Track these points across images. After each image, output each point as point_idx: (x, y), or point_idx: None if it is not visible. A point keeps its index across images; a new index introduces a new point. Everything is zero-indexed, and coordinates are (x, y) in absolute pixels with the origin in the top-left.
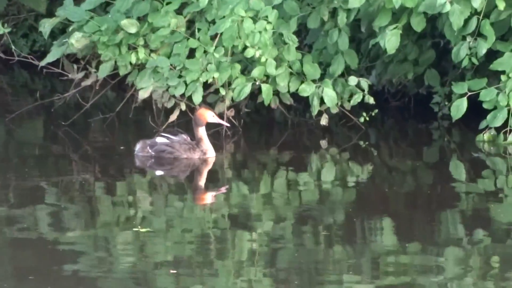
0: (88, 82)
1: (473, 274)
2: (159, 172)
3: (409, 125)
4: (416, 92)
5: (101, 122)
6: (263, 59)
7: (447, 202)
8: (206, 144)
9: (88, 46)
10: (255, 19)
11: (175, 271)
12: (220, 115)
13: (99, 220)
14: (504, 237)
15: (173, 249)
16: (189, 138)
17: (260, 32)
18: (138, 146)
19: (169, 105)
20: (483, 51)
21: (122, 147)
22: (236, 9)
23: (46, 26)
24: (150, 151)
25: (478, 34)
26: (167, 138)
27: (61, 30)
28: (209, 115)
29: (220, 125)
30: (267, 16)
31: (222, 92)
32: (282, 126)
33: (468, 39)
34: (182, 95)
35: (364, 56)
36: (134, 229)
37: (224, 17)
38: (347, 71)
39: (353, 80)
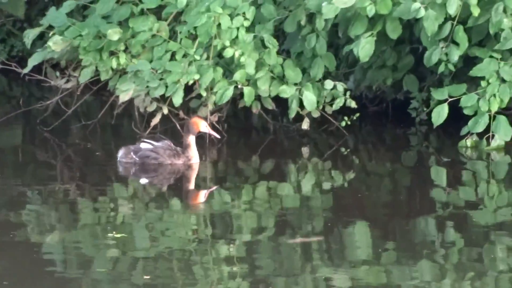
0: (68, 85)
1: (449, 278)
2: (142, 178)
3: (387, 131)
4: (394, 98)
5: (83, 129)
6: (242, 59)
7: (426, 207)
8: (193, 151)
9: (69, 51)
10: (232, 17)
11: (148, 277)
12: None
13: (76, 225)
14: (481, 242)
15: (147, 255)
16: (172, 144)
17: (237, 28)
18: (120, 153)
19: (150, 108)
20: (455, 57)
21: (97, 153)
22: (213, 6)
23: (30, 36)
24: (134, 157)
25: (451, 39)
26: (151, 144)
27: (39, 36)
28: (202, 125)
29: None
30: (244, 13)
31: (203, 93)
32: (263, 131)
33: (441, 44)
34: (164, 99)
35: (342, 61)
36: (109, 234)
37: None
38: (324, 76)
39: (329, 84)
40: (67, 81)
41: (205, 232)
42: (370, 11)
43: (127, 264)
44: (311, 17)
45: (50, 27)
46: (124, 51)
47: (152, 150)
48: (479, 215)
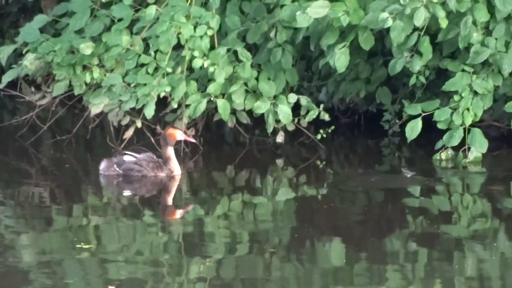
0: (43, 101)
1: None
2: (123, 190)
3: (359, 143)
4: (366, 110)
5: (59, 143)
6: (211, 69)
7: (397, 219)
8: (174, 163)
9: (43, 66)
10: (196, 26)
11: (112, 287)
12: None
13: (47, 237)
14: (451, 254)
15: (115, 266)
16: (154, 156)
17: (200, 36)
18: (102, 165)
19: (124, 122)
20: (416, 67)
21: (67, 165)
22: (177, 16)
23: (4, 54)
24: (117, 169)
25: (417, 50)
26: (134, 156)
27: (14, 50)
28: (178, 134)
29: (179, 143)
30: (208, 23)
31: (174, 105)
32: (238, 145)
33: (406, 53)
34: (134, 111)
35: (315, 74)
36: (77, 245)
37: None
38: (296, 88)
39: (292, 97)
40: (43, 96)
41: (175, 246)
42: (344, 21)
43: (90, 275)
44: (272, 30)
45: (25, 42)
46: (98, 65)
47: (136, 163)
48: (452, 227)
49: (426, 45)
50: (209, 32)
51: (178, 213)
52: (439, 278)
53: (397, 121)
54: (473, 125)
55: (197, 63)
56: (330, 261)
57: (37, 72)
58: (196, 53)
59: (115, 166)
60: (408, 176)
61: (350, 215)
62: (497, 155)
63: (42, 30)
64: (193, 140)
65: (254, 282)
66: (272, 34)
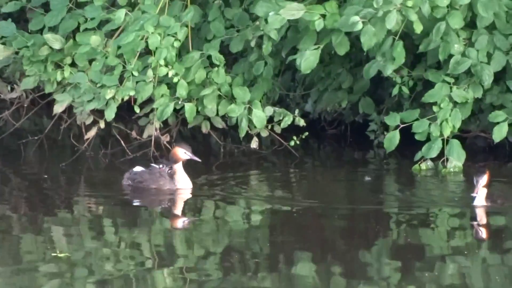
0: (13, 95)
1: None
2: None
3: (346, 153)
4: (353, 120)
5: (31, 143)
6: (175, 80)
7: (381, 230)
8: (179, 177)
9: (16, 61)
10: (164, 36)
11: None
12: (149, 137)
13: (22, 244)
14: (433, 265)
15: (87, 275)
16: (166, 169)
17: (167, 48)
18: (124, 177)
19: (87, 121)
20: (388, 71)
21: (45, 176)
22: (146, 25)
23: None
24: (129, 181)
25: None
26: (143, 168)
27: None
28: (181, 153)
29: (158, 149)
30: (176, 33)
31: (137, 110)
32: (215, 150)
33: (378, 58)
34: (102, 113)
35: (299, 84)
36: (53, 254)
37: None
38: (281, 99)
39: (268, 110)
40: (11, 89)
41: (148, 253)
42: (319, 25)
43: (61, 284)
44: (260, 41)
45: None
46: (71, 65)
47: (140, 174)
48: (432, 237)
49: (399, 50)
50: (176, 44)
51: (157, 224)
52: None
53: (385, 132)
54: (459, 135)
55: (162, 72)
56: (307, 272)
57: (9, 66)
58: (161, 61)
59: (127, 178)
60: (366, 179)
61: (332, 225)
62: (484, 165)
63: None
64: (196, 158)
65: None
66: (253, 44)
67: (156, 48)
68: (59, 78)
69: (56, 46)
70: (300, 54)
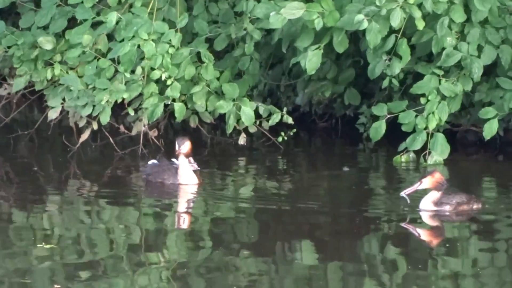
0: (3, 92)
1: None
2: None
3: (336, 146)
4: (343, 114)
5: (20, 138)
6: (169, 82)
7: (369, 221)
8: (182, 172)
9: (6, 59)
10: (158, 42)
11: (58, 286)
12: (138, 134)
13: (9, 235)
14: (422, 257)
15: (68, 265)
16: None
17: (162, 55)
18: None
19: (81, 124)
20: (396, 70)
21: (35, 168)
22: (140, 31)
23: None
24: (144, 174)
25: (395, 53)
26: (154, 162)
27: None
28: (176, 146)
29: (147, 144)
30: (170, 40)
31: (131, 112)
32: (203, 144)
33: (384, 57)
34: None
35: (285, 74)
36: (39, 245)
37: (132, 38)
38: (270, 91)
39: (251, 105)
40: (4, 87)
41: (133, 245)
42: (318, 24)
43: (42, 274)
44: (245, 37)
45: None
46: (60, 62)
47: (150, 168)
48: (420, 229)
49: (404, 48)
50: (171, 50)
51: (142, 213)
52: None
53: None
54: (450, 129)
55: (154, 75)
56: (300, 261)
57: (2, 65)
58: (151, 64)
59: (141, 171)
60: (345, 170)
61: (320, 215)
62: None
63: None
64: (180, 152)
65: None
66: (236, 40)
67: (152, 55)
68: (49, 76)
69: (48, 47)
70: (303, 55)
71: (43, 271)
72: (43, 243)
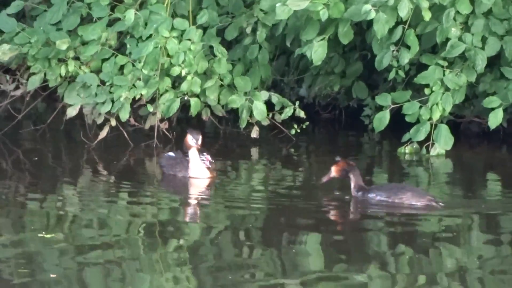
0: (17, 92)
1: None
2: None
3: (340, 137)
4: (347, 105)
5: (33, 133)
6: (189, 77)
7: (373, 213)
8: (193, 165)
9: (18, 56)
10: (179, 39)
11: (54, 275)
12: (152, 128)
13: (14, 225)
14: (427, 250)
15: (67, 254)
16: (190, 157)
17: (184, 52)
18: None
19: (99, 121)
20: (405, 60)
21: (35, 158)
22: (160, 29)
23: None
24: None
25: (403, 43)
26: (170, 155)
27: None
28: (190, 140)
29: (151, 138)
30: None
31: (150, 109)
32: (214, 136)
33: (392, 47)
34: (110, 111)
35: (293, 68)
36: (39, 235)
37: (150, 36)
38: (276, 84)
39: (264, 95)
40: (17, 87)
41: (135, 234)
42: (323, 15)
43: (39, 263)
44: (255, 26)
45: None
46: (73, 58)
47: (165, 159)
48: (424, 221)
49: (412, 38)
50: (193, 47)
51: (148, 204)
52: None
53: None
54: (454, 121)
55: (175, 71)
56: (308, 254)
57: (13, 61)
58: (173, 62)
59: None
60: (337, 159)
61: (326, 209)
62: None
63: (19, 19)
64: (197, 146)
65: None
66: (248, 30)
67: (175, 52)
68: (63, 73)
69: (64, 47)
70: (308, 47)
71: (49, 259)
72: (44, 232)
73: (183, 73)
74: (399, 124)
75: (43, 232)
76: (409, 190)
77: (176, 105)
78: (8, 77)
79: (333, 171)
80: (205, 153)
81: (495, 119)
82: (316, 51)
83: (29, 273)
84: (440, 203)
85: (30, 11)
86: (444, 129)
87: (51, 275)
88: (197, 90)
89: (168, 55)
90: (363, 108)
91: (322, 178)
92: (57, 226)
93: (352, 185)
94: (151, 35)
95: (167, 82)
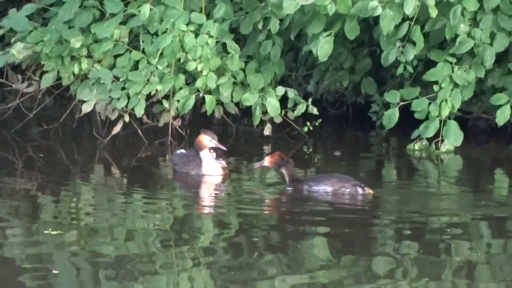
0: (29, 89)
1: (406, 282)
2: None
3: (347, 134)
4: (354, 101)
5: (46, 132)
6: (204, 72)
7: (382, 210)
8: (205, 164)
9: (32, 55)
10: (196, 33)
11: (57, 271)
12: (166, 125)
13: (22, 221)
14: (435, 246)
15: (70, 251)
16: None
17: (202, 46)
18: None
19: (112, 117)
20: (410, 56)
21: (41, 154)
22: (177, 23)
23: None
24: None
25: (408, 39)
26: (181, 152)
27: (0, 38)
28: (206, 140)
29: (166, 135)
30: (209, 32)
31: (165, 104)
32: (226, 134)
33: (398, 43)
34: (126, 107)
35: (301, 64)
36: (45, 231)
37: (166, 31)
38: (283, 79)
39: (280, 90)
40: (29, 85)
41: (164, 234)
42: (331, 9)
43: (46, 259)
44: (266, 21)
45: (11, 29)
46: (86, 56)
47: (177, 157)
48: (433, 218)
49: (418, 34)
50: (210, 41)
51: (155, 204)
52: (425, 271)
53: (384, 112)
54: (462, 117)
55: (191, 66)
56: (314, 250)
57: (26, 60)
58: (190, 56)
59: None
60: (336, 154)
61: (333, 204)
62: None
63: (29, 18)
64: (222, 147)
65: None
66: (260, 26)
67: (193, 46)
68: (76, 71)
69: (77, 45)
70: (314, 43)
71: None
72: (50, 229)
73: (199, 68)
74: (406, 121)
75: (50, 229)
76: (335, 177)
77: (191, 101)
78: (20, 76)
79: (267, 161)
80: (220, 159)
81: (502, 116)
82: (322, 47)
83: (34, 269)
84: (367, 189)
85: (40, 12)
86: (453, 125)
87: (54, 271)
88: (213, 85)
89: (184, 50)
90: (370, 104)
91: (255, 164)
92: (68, 223)
93: (287, 179)
94: (166, 30)
95: (182, 79)
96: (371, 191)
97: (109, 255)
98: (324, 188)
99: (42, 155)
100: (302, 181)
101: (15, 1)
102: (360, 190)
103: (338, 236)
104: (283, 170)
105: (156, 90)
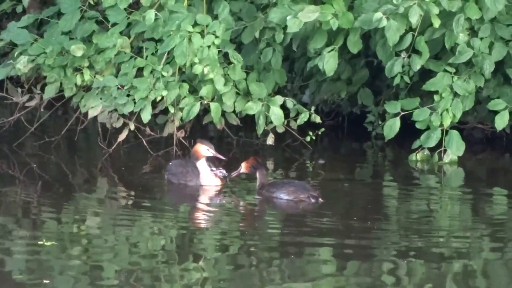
0: (32, 103)
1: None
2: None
3: (343, 144)
4: (350, 111)
5: (47, 145)
6: (211, 76)
7: (380, 219)
8: (203, 174)
9: (33, 68)
10: (202, 34)
11: (47, 281)
12: (170, 136)
13: (18, 232)
14: (436, 254)
15: (64, 261)
16: (200, 166)
17: (208, 46)
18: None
19: (117, 125)
20: (417, 67)
21: (34, 164)
22: (183, 24)
23: None
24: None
25: (412, 50)
26: (177, 163)
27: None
28: (203, 150)
29: (171, 145)
30: (215, 31)
31: (171, 110)
32: (228, 145)
33: (403, 55)
34: (131, 114)
35: (297, 75)
36: (39, 242)
37: (171, 33)
38: (278, 90)
39: (279, 100)
40: (30, 98)
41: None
42: (333, 24)
43: (35, 269)
44: (263, 31)
45: (12, 42)
46: (88, 67)
47: (174, 167)
48: (432, 225)
49: (423, 45)
50: (216, 41)
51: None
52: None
53: (380, 122)
54: (457, 127)
55: (197, 70)
56: (317, 258)
57: (27, 73)
58: (196, 59)
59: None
60: (320, 162)
61: (331, 214)
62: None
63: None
64: (221, 157)
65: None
66: (257, 34)
67: (200, 46)
68: (79, 82)
69: (79, 54)
70: (320, 58)
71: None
72: (44, 240)
73: (206, 71)
74: (402, 131)
75: (43, 240)
76: (293, 185)
77: (196, 109)
78: (19, 89)
79: (243, 167)
80: (220, 168)
81: (501, 121)
82: (328, 61)
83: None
84: (320, 200)
85: (34, 23)
86: (455, 135)
87: (44, 281)
88: (221, 88)
89: (189, 54)
90: (365, 114)
91: (232, 173)
92: (69, 234)
93: (257, 182)
94: (171, 33)
95: (186, 87)
96: (321, 201)
97: (110, 269)
98: (281, 196)
99: (43, 167)
100: (266, 187)
101: (10, 12)
102: (313, 200)
103: (341, 246)
104: (258, 174)
105: (162, 97)
